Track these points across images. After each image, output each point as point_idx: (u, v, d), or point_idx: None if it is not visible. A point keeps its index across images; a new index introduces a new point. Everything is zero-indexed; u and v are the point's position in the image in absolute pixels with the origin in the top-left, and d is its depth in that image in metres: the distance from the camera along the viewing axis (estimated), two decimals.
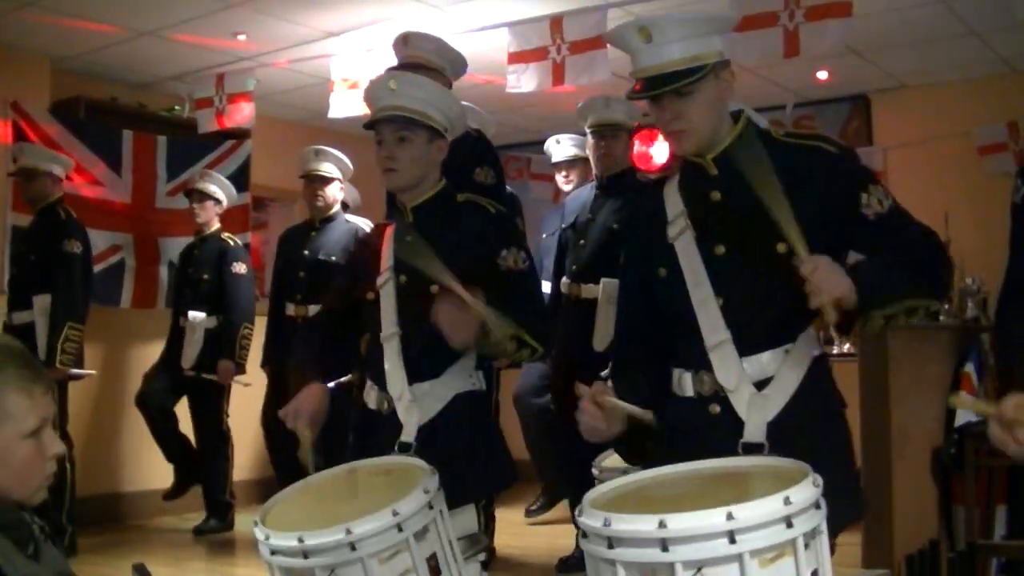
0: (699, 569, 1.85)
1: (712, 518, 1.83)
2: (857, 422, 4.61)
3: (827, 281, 2.19)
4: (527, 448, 6.27)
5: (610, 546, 1.89)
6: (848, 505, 2.29)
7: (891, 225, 2.38)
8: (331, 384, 5.28)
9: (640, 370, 2.56)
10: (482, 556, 2.86)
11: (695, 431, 2.42)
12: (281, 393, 6.06)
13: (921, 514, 4.49)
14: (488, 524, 5.13)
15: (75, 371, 5.85)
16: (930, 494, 4.49)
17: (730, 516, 1.82)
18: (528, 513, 6.52)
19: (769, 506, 1.85)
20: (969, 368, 4.79)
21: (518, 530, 6.18)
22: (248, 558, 5.58)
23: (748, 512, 1.83)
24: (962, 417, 4.62)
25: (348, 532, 2.36)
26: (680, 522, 1.84)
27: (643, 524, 1.86)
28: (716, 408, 2.40)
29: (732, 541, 1.83)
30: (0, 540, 1.86)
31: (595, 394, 2.40)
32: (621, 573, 1.89)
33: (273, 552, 2.44)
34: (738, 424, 2.33)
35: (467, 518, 2.87)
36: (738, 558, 1.84)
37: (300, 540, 2.38)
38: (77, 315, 5.77)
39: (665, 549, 1.83)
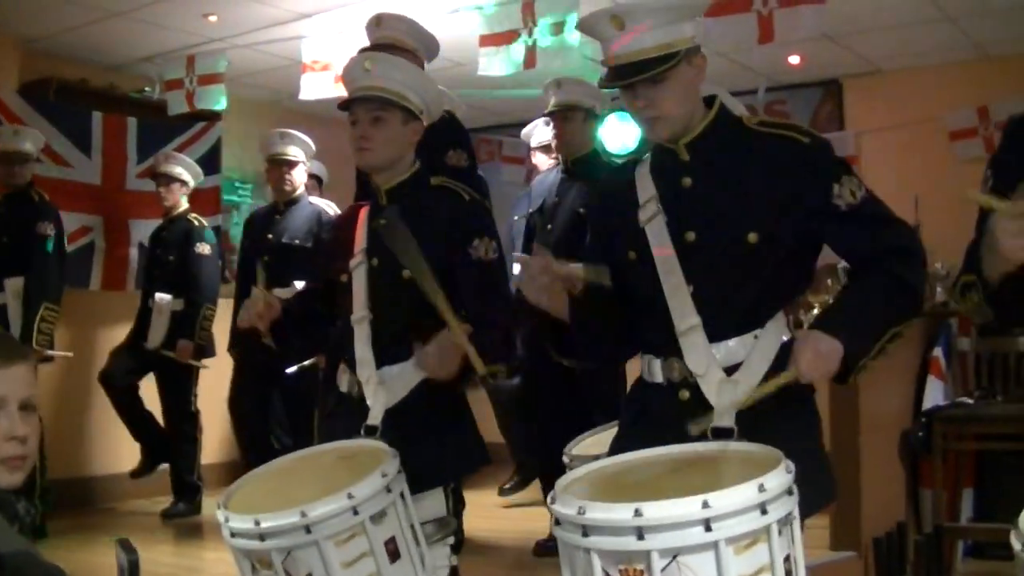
0: (675, 557, 1.85)
1: (688, 506, 1.84)
2: (826, 406, 4.64)
3: (817, 368, 2.27)
4: (498, 426, 6.28)
5: (584, 534, 1.89)
6: (817, 490, 2.30)
7: (863, 217, 2.39)
8: (294, 368, 5.31)
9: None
10: (451, 540, 2.86)
11: (665, 417, 2.42)
12: (249, 377, 6.04)
13: (889, 497, 4.52)
14: (457, 507, 5.12)
15: (51, 352, 5.87)
16: (898, 477, 4.51)
17: (706, 504, 1.83)
18: (502, 492, 6.54)
19: (744, 494, 1.87)
20: (937, 352, 4.81)
21: (491, 513, 6.18)
22: (216, 541, 5.50)
23: (723, 500, 1.85)
24: (930, 400, 4.64)
25: (303, 515, 2.36)
26: (656, 510, 1.84)
27: (618, 512, 1.86)
28: (686, 394, 2.41)
29: (708, 529, 1.84)
30: None
31: (545, 264, 2.41)
32: (596, 561, 1.89)
33: (233, 535, 2.44)
34: (708, 410, 2.33)
35: (435, 501, 2.87)
36: (714, 546, 1.85)
37: (256, 523, 2.39)
38: (53, 296, 5.82)
39: (641, 537, 1.84)
